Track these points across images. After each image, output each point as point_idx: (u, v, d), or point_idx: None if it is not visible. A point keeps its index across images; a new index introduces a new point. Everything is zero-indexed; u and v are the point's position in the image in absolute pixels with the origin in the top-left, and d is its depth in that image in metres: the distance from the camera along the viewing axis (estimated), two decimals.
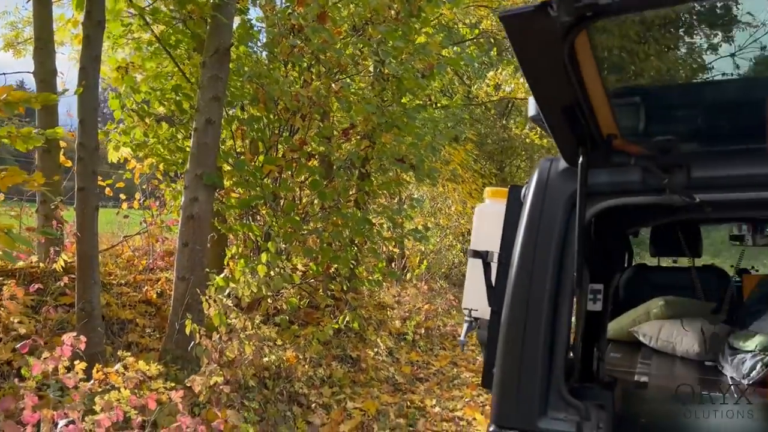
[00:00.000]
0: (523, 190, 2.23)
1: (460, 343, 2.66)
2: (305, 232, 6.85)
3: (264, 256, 5.77)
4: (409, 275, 11.30)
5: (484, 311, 2.43)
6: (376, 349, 7.66)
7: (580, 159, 1.83)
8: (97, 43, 5.22)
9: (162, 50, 6.72)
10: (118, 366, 3.97)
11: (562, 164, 2.05)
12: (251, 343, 5.13)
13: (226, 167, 6.65)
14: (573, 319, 2.12)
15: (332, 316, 7.40)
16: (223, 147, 6.97)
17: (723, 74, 1.91)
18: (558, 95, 1.63)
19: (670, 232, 4.42)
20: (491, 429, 2.03)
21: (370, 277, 8.02)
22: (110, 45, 6.77)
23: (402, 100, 7.58)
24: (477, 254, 2.41)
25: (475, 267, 2.46)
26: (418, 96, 8.66)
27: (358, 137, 7.50)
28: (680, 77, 2.01)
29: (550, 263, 2.00)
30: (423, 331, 9.12)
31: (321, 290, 7.76)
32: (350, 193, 7.44)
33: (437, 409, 6.52)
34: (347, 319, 6.73)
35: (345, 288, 7.64)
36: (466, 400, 6.89)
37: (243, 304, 5.80)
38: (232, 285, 5.74)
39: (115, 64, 6.83)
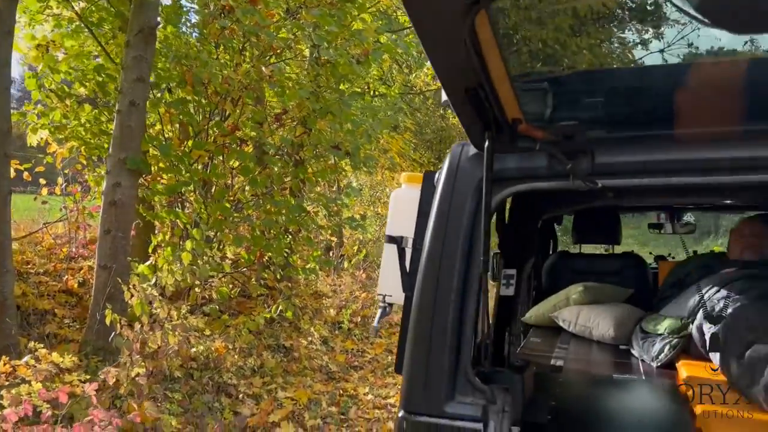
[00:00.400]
0: (437, 176, 2.22)
1: (374, 329, 2.64)
2: (237, 219, 6.69)
3: (189, 244, 5.61)
4: (346, 264, 11.25)
5: (398, 297, 2.41)
6: (310, 338, 7.59)
7: (486, 143, 1.81)
8: (9, 18, 4.94)
9: (84, 28, 6.41)
10: (26, 358, 3.77)
11: (472, 149, 2.04)
12: (176, 333, 4.98)
13: (154, 152, 6.42)
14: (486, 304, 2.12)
15: (265, 306, 7.28)
16: (151, 131, 6.72)
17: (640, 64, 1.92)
18: (461, 77, 1.60)
19: (591, 220, 4.54)
20: (400, 415, 2.02)
21: (306, 266, 7.93)
22: (27, 21, 6.41)
23: (340, 87, 7.47)
24: (392, 240, 2.39)
25: (390, 253, 2.43)
26: (356, 83, 8.57)
27: (293, 123, 7.37)
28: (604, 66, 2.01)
29: (458, 248, 1.98)
30: (359, 320, 9.09)
31: (254, 279, 7.62)
32: (285, 180, 7.30)
33: (370, 396, 6.52)
34: (280, 308, 6.64)
35: (279, 277, 7.52)
36: (399, 386, 6.92)
37: (167, 293, 5.62)
38: (158, 274, 5.56)
39: (34, 41, 6.47)
